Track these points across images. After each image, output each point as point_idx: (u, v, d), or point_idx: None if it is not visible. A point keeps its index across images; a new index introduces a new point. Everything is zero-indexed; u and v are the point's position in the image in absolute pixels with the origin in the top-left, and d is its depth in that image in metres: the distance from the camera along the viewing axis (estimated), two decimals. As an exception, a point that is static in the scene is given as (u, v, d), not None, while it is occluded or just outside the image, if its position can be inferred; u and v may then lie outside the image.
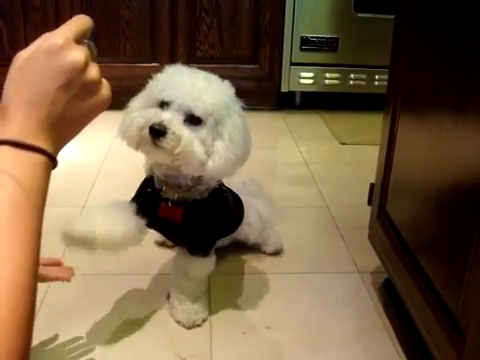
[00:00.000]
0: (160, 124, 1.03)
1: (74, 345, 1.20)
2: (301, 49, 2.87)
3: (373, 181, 1.44)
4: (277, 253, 1.62)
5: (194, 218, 1.22)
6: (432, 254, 1.09)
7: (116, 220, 1.14)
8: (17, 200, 0.53)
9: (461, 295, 0.92)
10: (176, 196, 1.19)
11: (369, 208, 1.46)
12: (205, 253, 1.27)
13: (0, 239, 0.50)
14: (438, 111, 1.08)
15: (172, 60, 2.79)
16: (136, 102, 1.15)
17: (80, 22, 0.63)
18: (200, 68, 2.85)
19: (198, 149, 1.06)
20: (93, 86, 0.62)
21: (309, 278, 1.51)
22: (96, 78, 0.62)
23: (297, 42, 2.85)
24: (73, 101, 0.59)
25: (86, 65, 0.60)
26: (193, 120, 1.07)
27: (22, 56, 0.60)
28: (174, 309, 1.31)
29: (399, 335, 1.29)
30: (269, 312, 1.36)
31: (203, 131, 1.07)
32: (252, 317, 1.34)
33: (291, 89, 2.96)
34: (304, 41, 2.85)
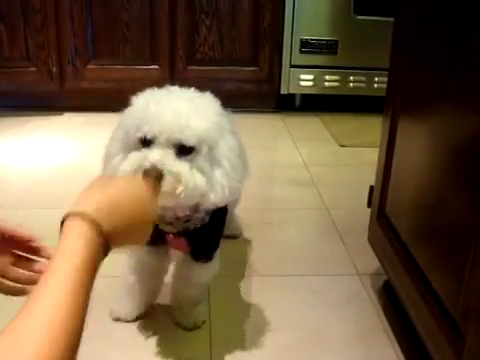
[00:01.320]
0: (153, 168, 0.92)
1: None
2: (301, 51, 2.87)
3: (373, 183, 1.44)
4: (235, 237, 1.67)
5: (199, 243, 1.17)
6: (431, 257, 1.09)
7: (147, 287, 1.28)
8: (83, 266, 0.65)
9: (460, 298, 0.92)
10: (173, 229, 1.12)
11: (369, 210, 1.46)
12: (209, 258, 1.22)
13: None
14: (437, 113, 1.08)
15: (172, 62, 2.80)
16: (113, 146, 1.03)
17: None
18: (200, 70, 2.85)
19: (200, 181, 0.97)
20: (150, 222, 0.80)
21: (309, 280, 1.51)
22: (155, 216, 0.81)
23: (297, 44, 2.86)
24: (135, 223, 0.74)
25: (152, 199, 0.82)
26: (184, 151, 0.96)
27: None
28: (174, 311, 1.31)
29: (398, 337, 1.29)
30: (269, 314, 1.36)
31: (199, 160, 0.97)
32: (252, 319, 1.34)
33: (291, 91, 2.97)
34: (304, 43, 2.85)
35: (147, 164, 0.93)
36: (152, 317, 1.32)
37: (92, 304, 1.37)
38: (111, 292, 1.37)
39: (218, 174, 1.00)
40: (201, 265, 1.22)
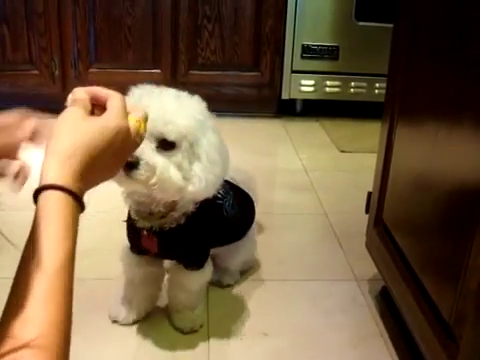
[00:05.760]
0: (131, 155, 0.95)
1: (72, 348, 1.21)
2: (302, 57, 2.88)
3: (371, 189, 1.45)
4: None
5: (170, 247, 1.20)
6: (427, 263, 1.09)
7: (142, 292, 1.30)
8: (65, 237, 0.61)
9: (455, 305, 0.93)
10: (148, 225, 1.16)
11: (367, 216, 1.47)
12: (199, 266, 1.25)
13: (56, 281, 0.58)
14: (434, 120, 1.09)
15: (174, 66, 2.82)
16: None
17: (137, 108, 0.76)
18: (201, 75, 2.88)
19: (175, 176, 1.03)
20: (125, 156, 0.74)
21: (307, 285, 1.52)
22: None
23: (298, 50, 2.87)
24: (110, 161, 0.69)
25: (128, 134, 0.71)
26: (166, 145, 1.02)
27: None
28: (172, 316, 1.32)
29: (395, 343, 1.29)
30: (267, 319, 1.37)
31: (178, 156, 1.03)
32: (249, 323, 1.35)
33: (292, 96, 2.98)
34: (305, 49, 2.87)
35: None
36: (151, 319, 1.33)
37: (92, 305, 1.39)
38: (110, 294, 1.38)
39: (196, 168, 1.06)
40: (192, 273, 1.24)
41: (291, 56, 2.88)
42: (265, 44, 2.85)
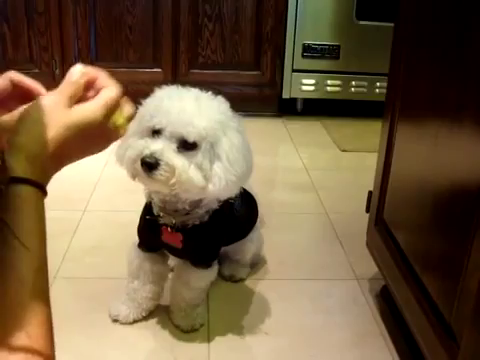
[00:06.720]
0: (151, 156, 1.01)
1: (73, 348, 1.21)
2: (303, 56, 2.88)
3: (372, 188, 1.45)
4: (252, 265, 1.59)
5: (194, 243, 1.21)
6: (428, 263, 1.09)
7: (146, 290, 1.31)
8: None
9: (455, 304, 0.93)
10: (174, 221, 1.18)
11: (368, 215, 1.47)
12: (208, 265, 1.26)
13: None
14: (435, 119, 1.09)
15: (174, 66, 2.81)
16: (132, 125, 1.10)
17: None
18: (202, 74, 2.87)
19: (195, 175, 1.04)
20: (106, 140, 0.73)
21: (307, 284, 1.52)
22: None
23: (299, 49, 2.87)
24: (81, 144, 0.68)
25: (104, 120, 0.68)
26: (187, 146, 1.04)
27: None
28: (173, 314, 1.32)
29: (395, 342, 1.29)
30: (267, 318, 1.37)
31: (199, 156, 1.05)
32: (250, 322, 1.35)
33: (293, 96, 2.98)
34: (306, 48, 2.86)
35: (147, 151, 1.02)
36: (151, 318, 1.33)
37: (92, 305, 1.40)
38: (111, 293, 1.38)
39: (217, 167, 1.07)
40: (199, 271, 1.26)
41: (292, 55, 2.88)
42: (266, 43, 2.85)
